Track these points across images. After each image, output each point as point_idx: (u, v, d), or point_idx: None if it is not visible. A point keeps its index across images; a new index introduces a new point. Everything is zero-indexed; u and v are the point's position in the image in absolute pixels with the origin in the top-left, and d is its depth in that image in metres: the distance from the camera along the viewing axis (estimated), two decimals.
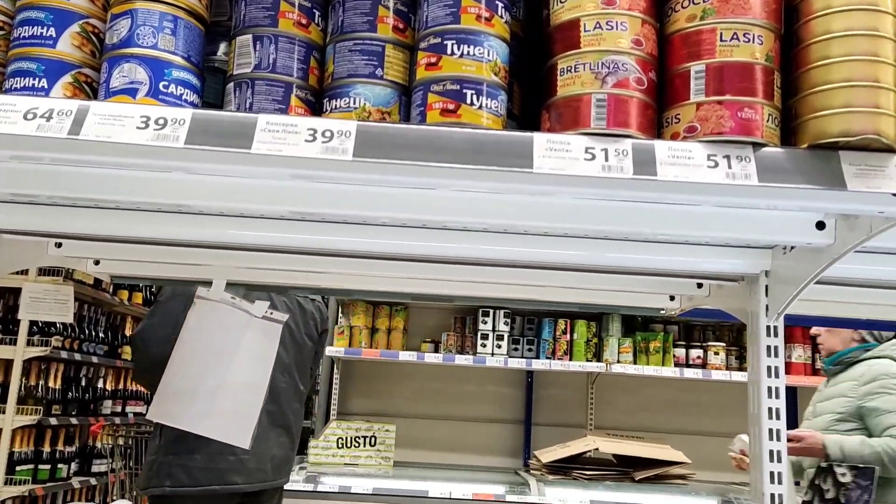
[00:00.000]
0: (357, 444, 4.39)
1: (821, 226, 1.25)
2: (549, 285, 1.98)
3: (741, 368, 4.53)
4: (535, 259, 1.66)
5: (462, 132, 0.94)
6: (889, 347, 3.04)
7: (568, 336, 4.64)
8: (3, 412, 4.59)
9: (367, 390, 4.88)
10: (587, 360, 4.58)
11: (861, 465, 2.64)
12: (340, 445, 4.37)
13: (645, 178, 0.95)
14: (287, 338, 2.64)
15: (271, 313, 1.85)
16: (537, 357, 4.61)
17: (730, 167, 0.97)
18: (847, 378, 3.03)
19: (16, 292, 4.61)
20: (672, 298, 2.01)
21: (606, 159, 0.95)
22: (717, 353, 4.60)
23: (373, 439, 4.40)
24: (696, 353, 4.64)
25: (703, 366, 4.58)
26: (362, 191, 1.01)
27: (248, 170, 0.89)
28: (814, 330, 3.46)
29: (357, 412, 4.81)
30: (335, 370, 4.76)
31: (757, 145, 0.99)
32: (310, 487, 3.75)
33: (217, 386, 1.76)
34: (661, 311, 2.10)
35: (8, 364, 4.70)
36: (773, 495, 1.45)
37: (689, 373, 4.51)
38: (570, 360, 4.59)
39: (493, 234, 1.40)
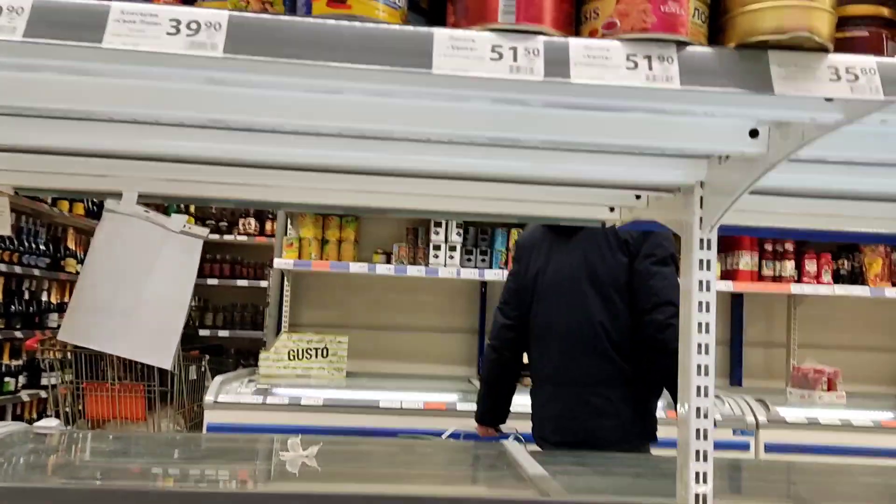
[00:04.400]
0: (309, 356, 4.38)
1: (754, 134, 1.18)
2: (490, 197, 1.90)
3: None
4: (467, 170, 1.57)
5: (350, 26, 0.83)
6: None
7: None
8: None
9: (318, 302, 4.84)
10: None
11: None
12: (292, 357, 4.35)
13: (557, 80, 0.86)
14: None
15: (189, 228, 1.75)
16: (490, 267, 4.59)
17: (650, 68, 0.88)
18: None
19: None
20: (612, 210, 1.96)
21: (515, 59, 0.86)
22: None
23: (325, 351, 4.39)
24: None
25: None
26: (244, 93, 0.90)
27: (99, 67, 0.78)
28: None
29: (308, 324, 4.78)
30: (285, 282, 4.69)
31: (681, 44, 0.90)
32: (259, 400, 3.74)
33: (133, 304, 1.67)
34: (603, 223, 2.05)
35: None
36: (699, 409, 1.44)
37: None
38: None
39: (414, 142, 1.31)
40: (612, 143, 1.17)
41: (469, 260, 4.61)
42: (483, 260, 4.62)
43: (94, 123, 1.25)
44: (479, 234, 4.68)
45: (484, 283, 4.85)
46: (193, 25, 0.77)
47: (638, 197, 1.77)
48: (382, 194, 1.87)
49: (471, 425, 3.05)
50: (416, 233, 4.66)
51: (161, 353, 1.69)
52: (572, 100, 0.95)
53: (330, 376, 4.35)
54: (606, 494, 1.72)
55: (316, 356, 4.40)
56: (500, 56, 0.86)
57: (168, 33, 0.77)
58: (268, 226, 6.96)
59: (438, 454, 2.27)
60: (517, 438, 2.55)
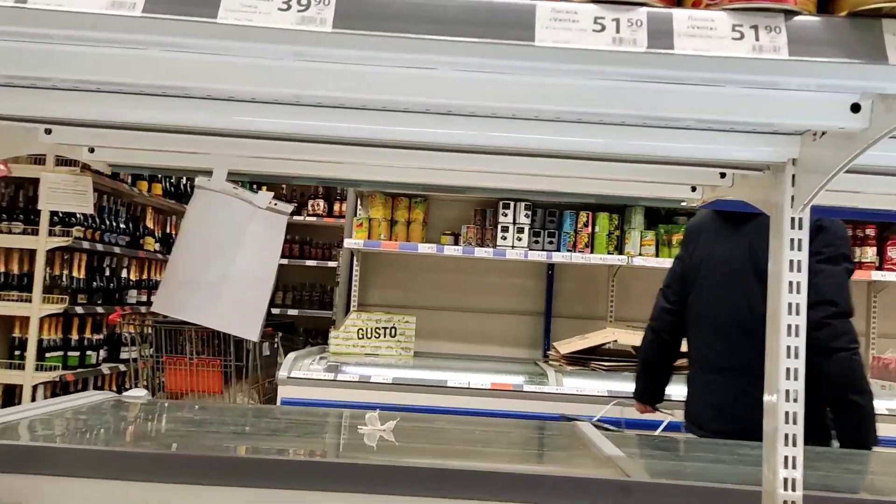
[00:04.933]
0: (377, 335, 4.45)
1: (856, 108, 1.14)
2: (568, 176, 1.89)
3: None
4: (549, 147, 1.56)
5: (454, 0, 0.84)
6: None
7: (589, 229, 4.57)
8: (30, 301, 4.70)
9: (386, 282, 4.90)
10: (608, 254, 4.53)
11: None
12: (361, 336, 4.43)
13: (660, 52, 0.85)
14: None
15: (275, 204, 1.79)
16: (558, 250, 4.57)
17: (757, 39, 0.86)
18: None
19: (35, 183, 4.61)
20: (694, 189, 1.92)
21: (618, 30, 0.85)
22: None
23: (393, 330, 4.45)
24: None
25: None
26: (344, 70, 0.92)
27: (213, 44, 0.80)
28: None
29: (377, 304, 4.85)
30: (354, 262, 4.77)
31: (789, 13, 0.88)
32: (330, 377, 3.83)
33: (221, 278, 1.73)
34: (682, 203, 2.01)
35: (31, 254, 4.78)
36: (788, 392, 1.41)
37: None
38: (592, 252, 4.54)
39: (502, 119, 1.31)
40: (704, 119, 1.15)
41: (537, 242, 4.59)
42: (551, 242, 4.59)
43: (189, 101, 1.29)
44: (546, 216, 4.65)
45: (551, 266, 4.83)
46: (304, 1, 0.79)
47: (723, 175, 1.73)
48: (457, 172, 1.87)
49: (538, 408, 3.06)
50: (483, 214, 4.66)
51: (249, 325, 1.75)
52: (670, 73, 0.93)
53: (397, 355, 4.42)
54: (689, 478, 1.70)
55: (384, 335, 4.46)
56: (603, 28, 0.85)
57: (279, 9, 0.79)
58: (336, 207, 7.07)
59: (512, 432, 2.28)
60: (673, 425, 2.55)
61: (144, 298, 5.89)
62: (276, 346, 4.49)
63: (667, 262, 4.45)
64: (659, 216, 4.69)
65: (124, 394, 2.18)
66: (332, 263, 7.01)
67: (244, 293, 1.75)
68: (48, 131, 1.52)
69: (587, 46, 0.84)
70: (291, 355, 3.95)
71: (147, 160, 1.85)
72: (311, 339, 6.51)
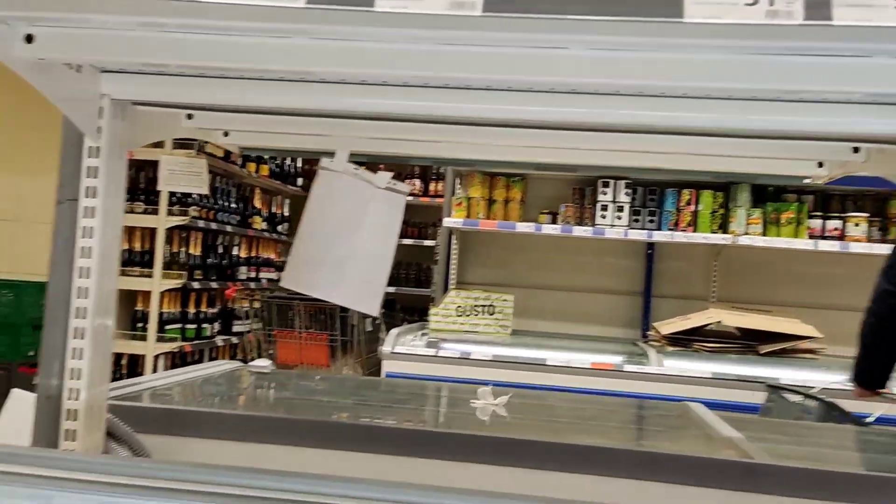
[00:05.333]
0: (476, 313, 4.49)
1: None
2: (680, 152, 1.85)
3: (884, 241, 4.23)
4: (671, 124, 1.54)
5: None
6: None
7: (692, 207, 4.45)
8: (151, 276, 5.00)
9: (484, 261, 4.94)
10: (712, 232, 4.41)
11: None
12: (460, 314, 4.49)
13: (818, 23, 0.83)
14: None
15: (394, 184, 1.84)
16: (659, 228, 4.47)
17: None
18: None
19: (155, 165, 4.88)
20: (821, 165, 1.85)
21: (771, 3, 0.83)
22: (857, 225, 4.30)
23: (491, 308, 4.48)
24: (833, 224, 4.35)
25: (841, 238, 4.31)
26: (490, 52, 0.93)
27: (370, 32, 0.84)
28: None
29: (475, 282, 4.90)
30: (453, 240, 4.82)
31: None
32: (431, 352, 3.91)
33: (345, 255, 1.80)
34: (806, 180, 1.94)
35: (152, 232, 5.07)
36: None
37: (825, 245, 4.25)
38: (695, 231, 4.43)
39: (623, 97, 1.30)
40: (853, 91, 1.11)
41: (637, 220, 4.51)
42: (651, 221, 4.50)
43: (322, 85, 1.34)
44: (647, 194, 4.56)
45: (651, 245, 4.75)
46: None
47: (856, 150, 1.66)
48: (565, 150, 1.87)
49: (639, 389, 3.02)
50: (582, 193, 4.62)
51: (370, 301, 1.81)
52: (825, 45, 0.90)
53: (496, 333, 4.45)
54: (812, 461, 1.66)
55: (482, 313, 4.51)
56: (755, 1, 0.83)
57: None
58: (431, 186, 7.14)
59: (624, 411, 2.28)
60: None
61: (253, 275, 6.16)
62: (377, 322, 4.61)
63: (776, 242, 4.31)
64: (766, 194, 4.52)
65: (250, 364, 2.31)
66: (427, 242, 7.11)
67: (366, 270, 1.81)
68: (190, 116, 1.61)
69: (739, 21, 0.83)
70: (394, 331, 4.06)
71: (274, 142, 1.94)
72: (407, 315, 6.64)
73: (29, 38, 1.13)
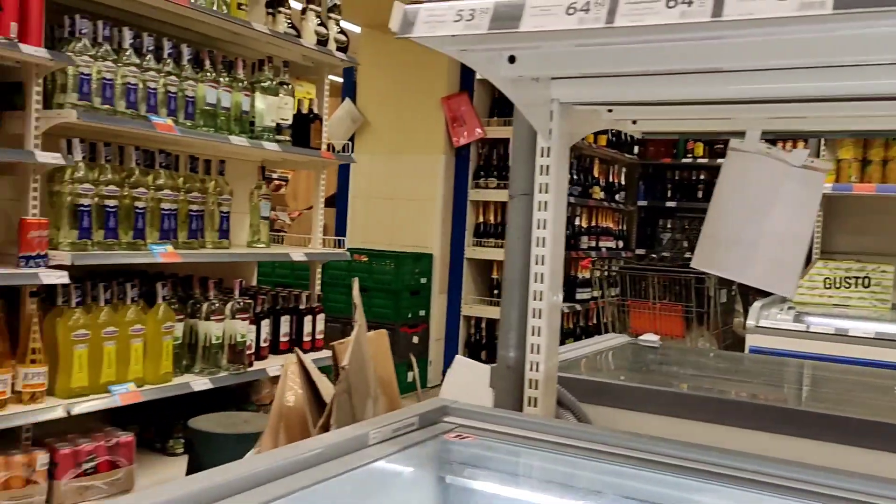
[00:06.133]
0: (847, 285, 4.11)
1: None
2: None
3: None
4: None
5: None
6: None
7: None
8: (502, 248, 5.41)
9: (855, 227, 4.48)
10: None
11: None
12: (828, 286, 4.14)
13: None
14: None
15: (812, 161, 1.77)
16: None
17: None
18: None
19: (506, 143, 5.25)
20: None
21: None
22: None
23: (866, 280, 4.07)
24: None
25: None
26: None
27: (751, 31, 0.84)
28: None
29: (842, 251, 4.47)
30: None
31: None
32: (801, 327, 3.68)
33: (757, 236, 1.78)
34: None
35: (503, 206, 5.47)
36: None
37: None
38: None
39: None
40: None
41: None
42: None
43: (718, 75, 1.36)
44: None
45: None
46: None
47: None
48: None
49: None
50: None
51: (786, 282, 1.77)
52: None
53: (872, 307, 4.03)
54: None
55: (855, 285, 4.11)
56: None
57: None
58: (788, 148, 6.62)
59: None
60: None
61: (594, 244, 6.31)
62: (732, 293, 4.46)
63: None
64: None
65: (639, 338, 2.40)
66: None
67: (780, 251, 1.77)
68: (610, 111, 1.73)
69: None
70: (757, 304, 3.89)
71: (676, 127, 2.00)
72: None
73: (511, 59, 1.32)
